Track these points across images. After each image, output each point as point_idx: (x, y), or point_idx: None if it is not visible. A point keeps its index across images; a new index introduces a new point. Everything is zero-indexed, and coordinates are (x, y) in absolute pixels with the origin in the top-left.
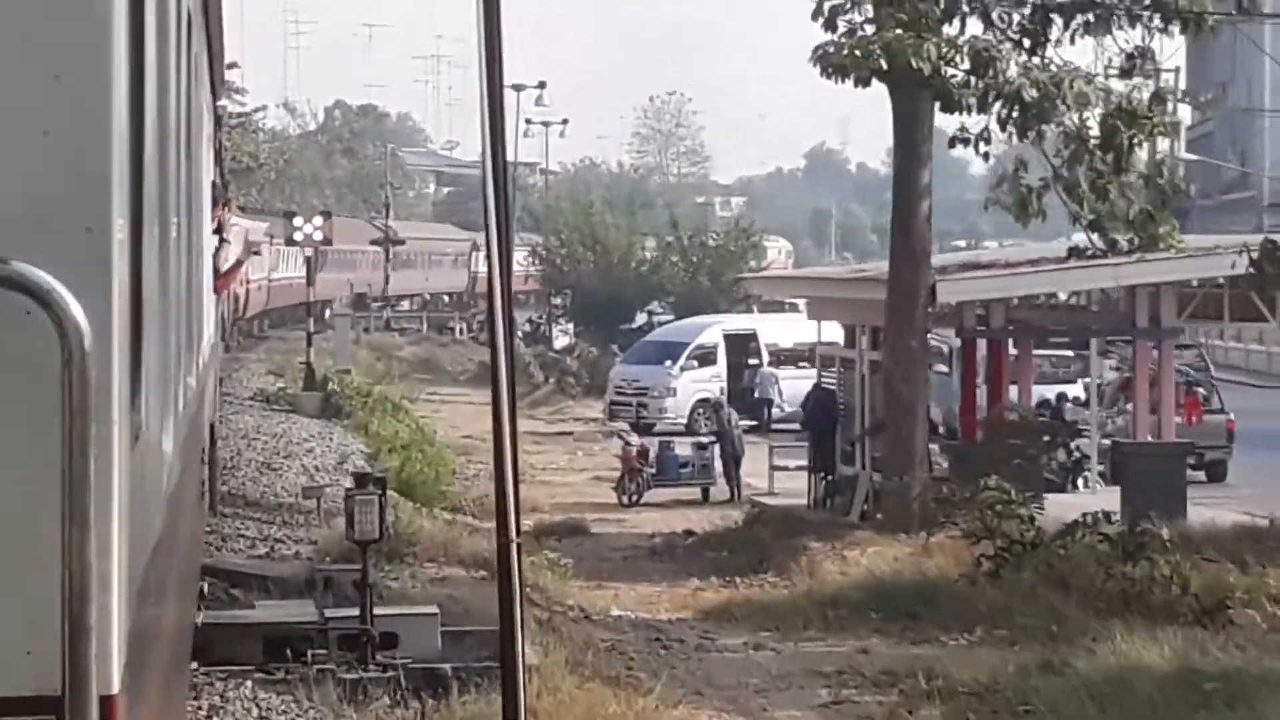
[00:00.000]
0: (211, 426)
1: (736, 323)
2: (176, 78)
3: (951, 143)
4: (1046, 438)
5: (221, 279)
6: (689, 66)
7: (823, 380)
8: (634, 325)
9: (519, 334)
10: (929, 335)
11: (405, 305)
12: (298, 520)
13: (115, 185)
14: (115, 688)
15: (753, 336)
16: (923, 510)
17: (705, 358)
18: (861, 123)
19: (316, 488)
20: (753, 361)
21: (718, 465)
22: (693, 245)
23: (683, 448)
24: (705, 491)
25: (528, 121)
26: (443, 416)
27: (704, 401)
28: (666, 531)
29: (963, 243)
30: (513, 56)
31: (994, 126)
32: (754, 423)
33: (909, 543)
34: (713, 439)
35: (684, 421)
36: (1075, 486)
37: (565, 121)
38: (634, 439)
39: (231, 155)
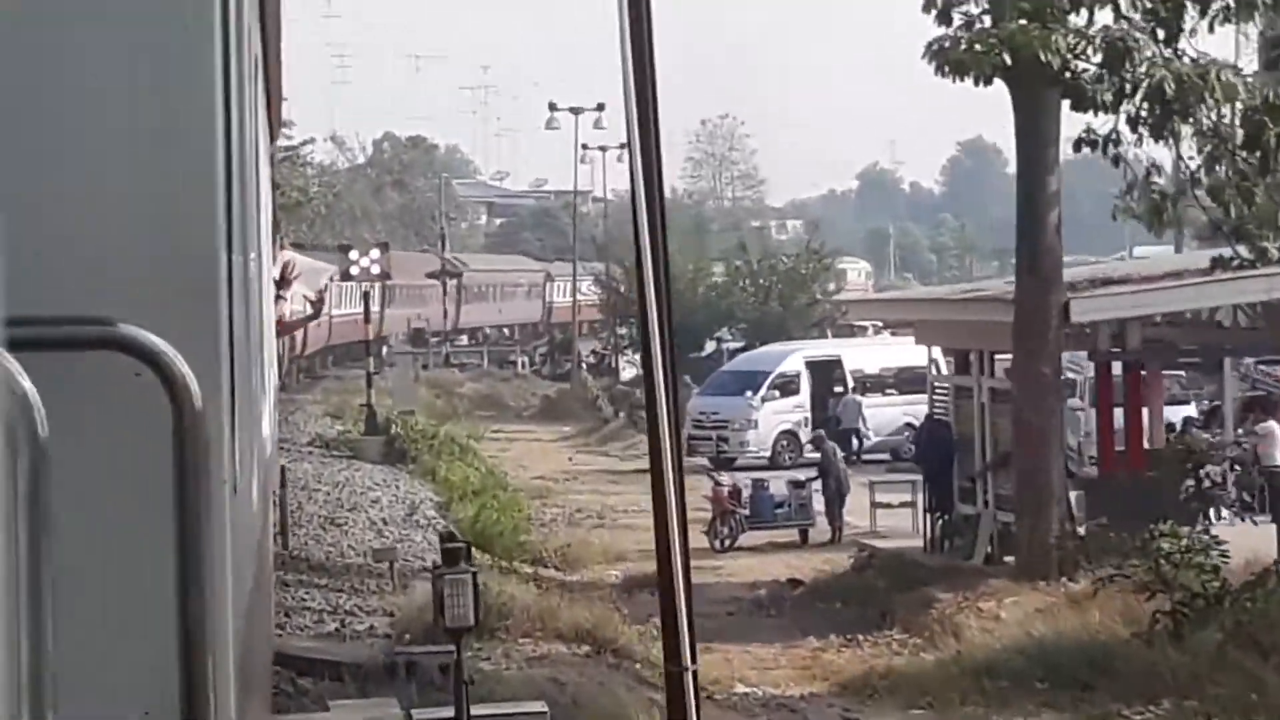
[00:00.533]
0: (282, 468)
1: (818, 349)
2: (252, 127)
3: (1077, 145)
4: (1189, 466)
5: (291, 325)
6: (737, 88)
7: (934, 411)
8: (704, 353)
9: (583, 365)
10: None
11: (464, 340)
12: (369, 586)
13: (221, 244)
14: None
15: (836, 363)
16: (1062, 555)
17: (787, 387)
18: (912, 142)
19: (388, 549)
20: (837, 390)
21: (816, 504)
22: (762, 269)
23: (777, 485)
24: (804, 533)
25: (584, 147)
26: (510, 455)
27: (787, 434)
28: (768, 580)
29: (996, 263)
30: (564, 78)
31: (1123, 127)
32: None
33: (1050, 592)
34: (813, 475)
35: (767, 455)
36: (1207, 519)
37: (623, 146)
38: (724, 478)
39: (280, 190)
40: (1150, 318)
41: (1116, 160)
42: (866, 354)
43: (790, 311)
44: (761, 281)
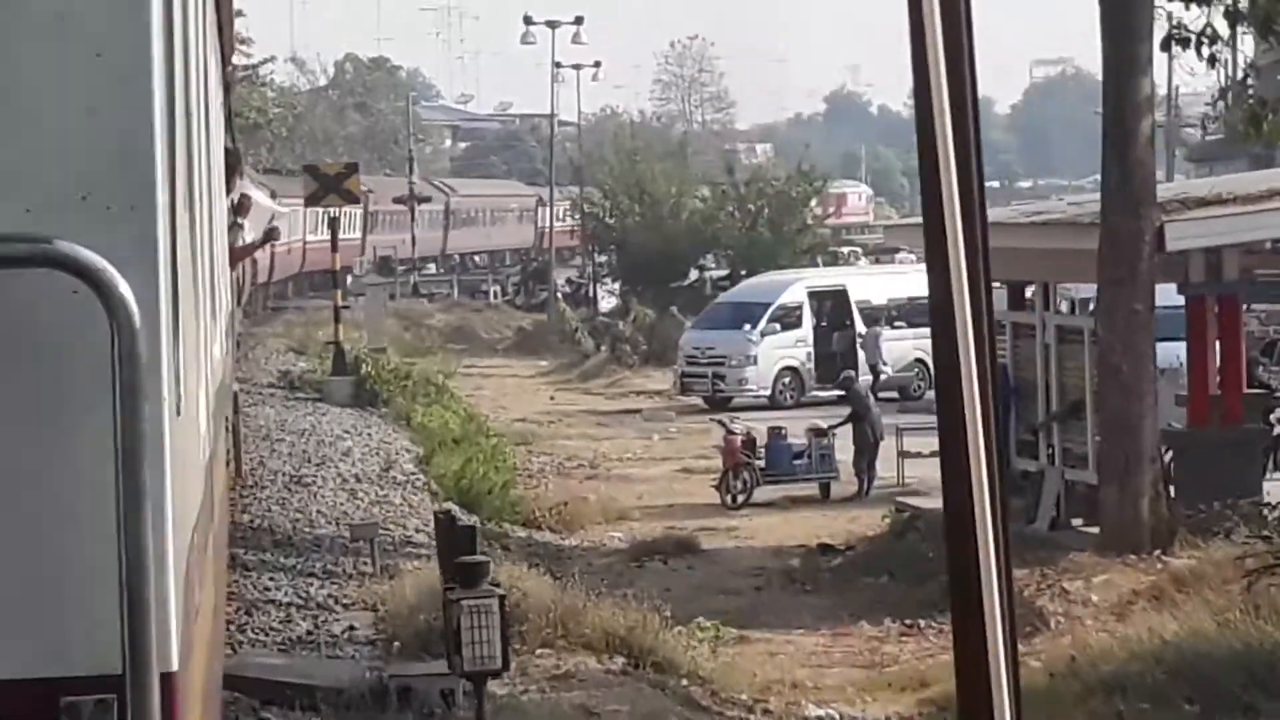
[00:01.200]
0: (235, 395)
1: (822, 278)
2: (198, 47)
3: (1165, 43)
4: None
5: (240, 252)
6: (703, 10)
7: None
8: (686, 282)
9: (558, 294)
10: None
11: (432, 269)
12: (345, 568)
13: (159, 163)
14: (175, 664)
15: (842, 294)
16: (1155, 523)
17: (788, 320)
18: (878, 66)
19: (368, 525)
20: (847, 323)
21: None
22: (750, 192)
23: (794, 434)
24: (825, 487)
25: (556, 65)
26: (487, 395)
27: (789, 370)
28: (794, 545)
29: (996, 183)
30: None
31: (1219, 22)
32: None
33: (1146, 569)
34: (837, 422)
35: (767, 393)
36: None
37: (598, 64)
38: (737, 426)
39: (238, 111)
40: (1259, 243)
41: (1213, 60)
42: (875, 284)
43: (780, 238)
44: (750, 207)
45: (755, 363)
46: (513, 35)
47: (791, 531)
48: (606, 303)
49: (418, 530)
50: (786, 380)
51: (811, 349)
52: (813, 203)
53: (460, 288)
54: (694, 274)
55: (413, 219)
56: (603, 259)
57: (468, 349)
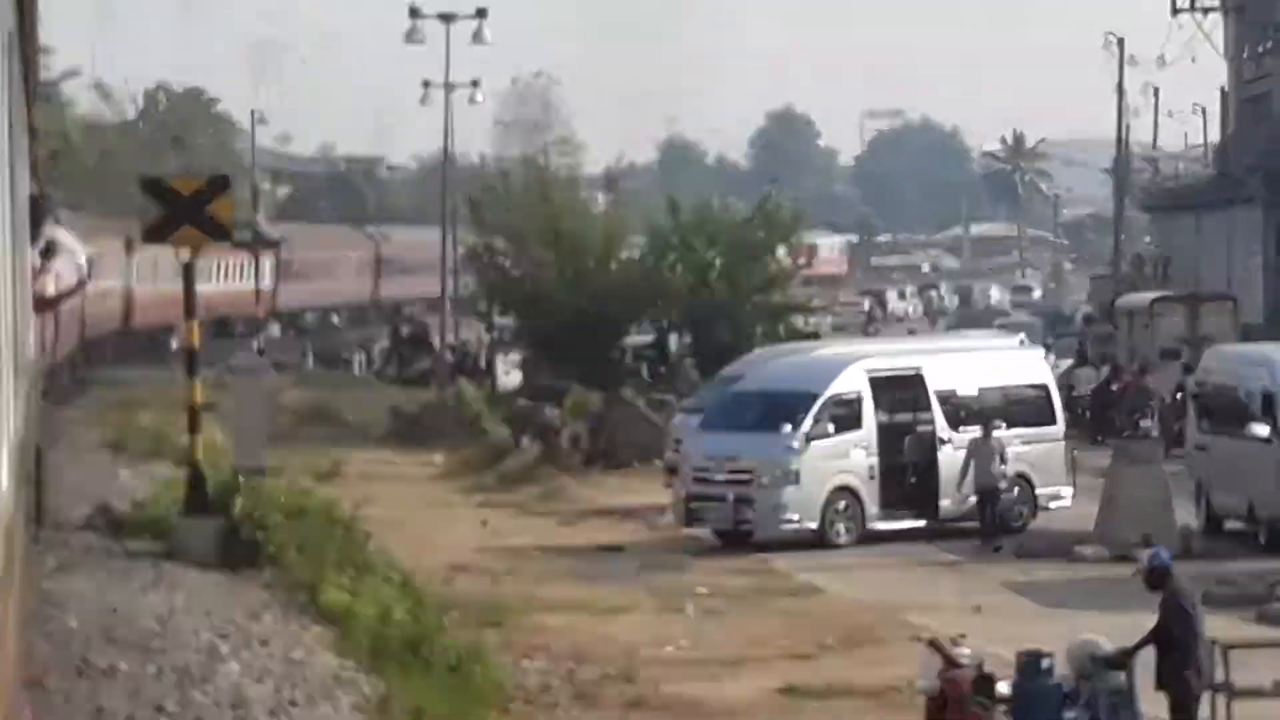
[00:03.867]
0: (37, 446)
1: (886, 357)
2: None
3: None
4: None
5: (50, 301)
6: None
7: None
8: (628, 349)
9: (426, 365)
10: None
11: (275, 330)
12: None
13: None
14: None
15: (916, 380)
16: None
17: (843, 417)
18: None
19: None
20: (919, 419)
21: None
22: (699, 238)
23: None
24: None
25: (424, 84)
26: (382, 513)
27: (843, 491)
28: None
29: (854, 237)
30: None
31: None
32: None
33: None
34: (1140, 640)
35: (813, 525)
36: None
37: (475, 84)
38: (964, 649)
39: (35, 137)
40: None
41: None
42: (955, 366)
43: (738, 295)
44: (697, 258)
45: (796, 480)
46: (335, 70)
47: None
48: (510, 377)
49: None
50: (841, 506)
51: (876, 460)
52: (780, 251)
53: (316, 355)
54: (626, 341)
55: (257, 270)
56: (507, 320)
57: (333, 436)
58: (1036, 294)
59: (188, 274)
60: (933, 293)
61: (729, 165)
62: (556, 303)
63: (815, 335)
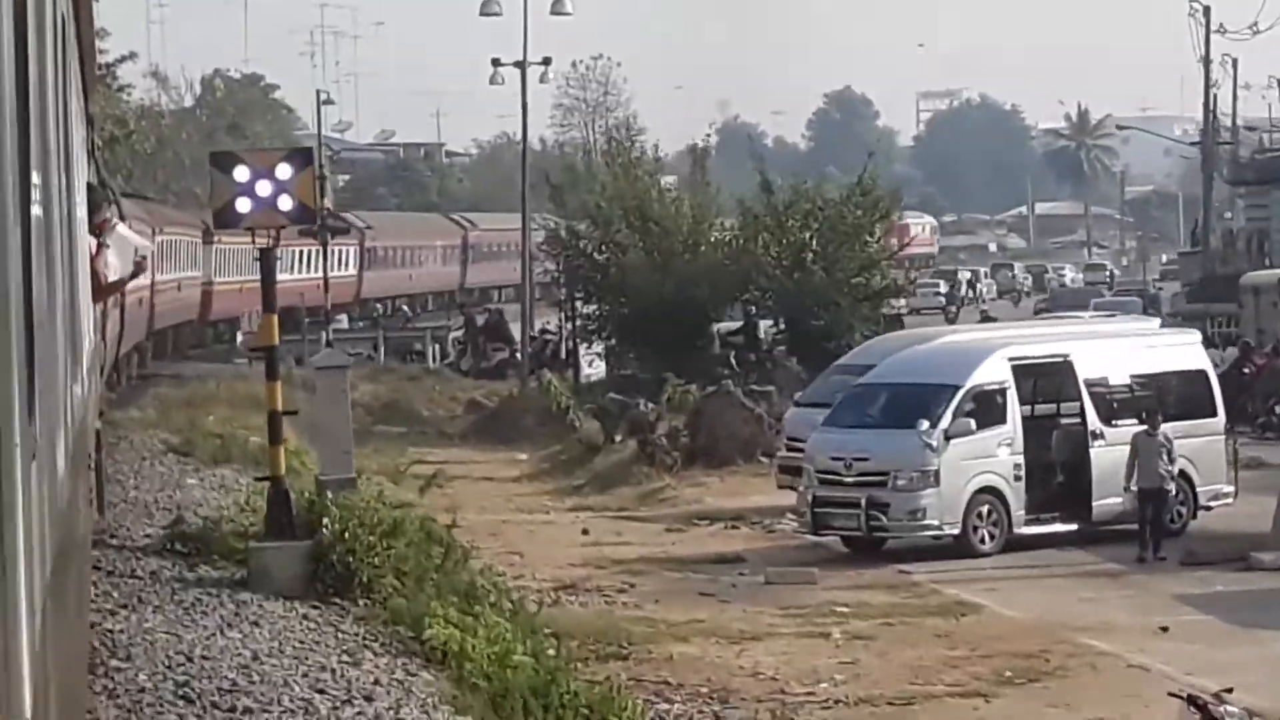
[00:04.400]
0: (98, 432)
1: (1030, 344)
2: (54, 86)
3: None
4: None
5: (108, 288)
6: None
7: None
8: (716, 336)
9: (516, 355)
10: None
11: (343, 320)
12: None
13: (9, 201)
14: (27, 713)
15: (1065, 368)
16: None
17: (986, 412)
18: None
19: None
20: (1066, 412)
21: None
22: (793, 217)
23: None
24: None
25: (494, 63)
26: (472, 523)
27: (988, 492)
28: None
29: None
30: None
31: None
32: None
33: None
34: None
35: (954, 531)
36: None
37: (547, 61)
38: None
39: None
40: None
41: None
42: (1105, 353)
43: (833, 279)
44: (791, 237)
45: (936, 481)
46: (392, 58)
47: None
48: (594, 368)
49: None
50: (984, 509)
51: (1021, 458)
52: (877, 231)
53: (387, 347)
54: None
55: (325, 258)
56: (591, 309)
57: (407, 434)
58: (1111, 272)
59: (266, 262)
60: (1009, 273)
61: (786, 147)
62: (642, 288)
63: (899, 320)
